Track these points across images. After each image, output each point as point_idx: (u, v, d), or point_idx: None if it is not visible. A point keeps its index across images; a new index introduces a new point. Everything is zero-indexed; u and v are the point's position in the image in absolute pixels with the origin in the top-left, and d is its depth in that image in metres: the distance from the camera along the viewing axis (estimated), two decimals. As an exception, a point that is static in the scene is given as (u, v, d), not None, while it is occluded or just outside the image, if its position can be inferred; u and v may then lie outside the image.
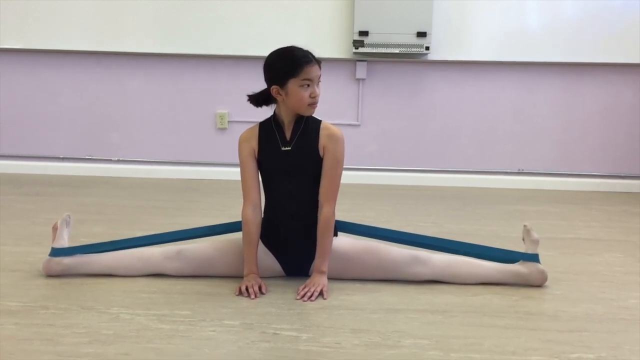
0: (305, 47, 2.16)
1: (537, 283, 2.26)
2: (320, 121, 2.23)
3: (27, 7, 4.53)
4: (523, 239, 2.37)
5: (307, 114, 2.18)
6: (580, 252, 2.81)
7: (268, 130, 2.23)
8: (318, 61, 2.15)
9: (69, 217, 2.37)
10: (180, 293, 2.13)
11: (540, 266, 2.27)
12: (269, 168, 2.23)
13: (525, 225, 2.36)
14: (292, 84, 2.11)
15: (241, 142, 2.24)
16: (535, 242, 2.30)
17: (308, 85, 2.11)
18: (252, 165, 2.22)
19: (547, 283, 2.27)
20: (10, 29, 4.56)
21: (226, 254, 2.26)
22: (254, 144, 2.22)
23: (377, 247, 2.28)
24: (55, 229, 2.32)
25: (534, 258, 2.29)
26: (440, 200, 4.07)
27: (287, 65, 2.11)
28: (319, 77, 2.15)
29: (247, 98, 2.24)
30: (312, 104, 2.15)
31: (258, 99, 2.23)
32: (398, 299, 2.11)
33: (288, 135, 2.21)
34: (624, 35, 4.42)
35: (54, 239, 2.30)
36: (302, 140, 2.19)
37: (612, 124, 4.62)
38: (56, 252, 2.26)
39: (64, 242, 2.30)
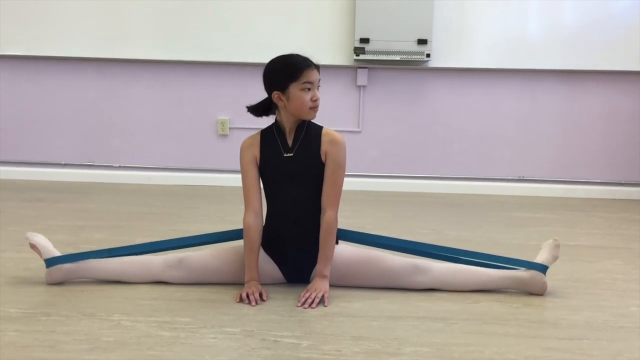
0: (303, 54, 2.18)
1: (536, 291, 2.26)
2: (321, 127, 2.24)
3: (29, 14, 4.54)
4: (541, 248, 2.35)
5: (308, 118, 2.20)
6: (580, 259, 2.81)
7: (270, 137, 2.24)
8: (317, 66, 2.18)
9: (31, 235, 2.28)
10: (181, 300, 2.13)
11: (544, 276, 2.26)
12: (271, 174, 2.23)
13: (555, 240, 2.35)
14: (294, 88, 2.13)
15: (243, 149, 2.25)
16: (555, 258, 2.29)
17: (309, 89, 2.13)
18: (253, 172, 2.23)
19: (547, 290, 2.27)
20: (12, 35, 4.57)
21: (227, 263, 2.26)
22: (255, 151, 2.23)
23: (377, 256, 2.27)
24: (33, 247, 2.25)
25: (542, 269, 2.27)
26: (441, 207, 4.07)
27: (287, 70, 2.14)
28: (319, 82, 2.18)
29: (246, 109, 2.25)
30: (314, 108, 2.16)
31: (258, 109, 2.25)
32: (398, 307, 2.11)
33: (290, 141, 2.22)
34: (625, 43, 4.42)
35: (40, 254, 2.25)
36: (304, 146, 2.20)
37: (613, 131, 4.62)
38: (50, 262, 2.24)
39: (52, 251, 2.26)
